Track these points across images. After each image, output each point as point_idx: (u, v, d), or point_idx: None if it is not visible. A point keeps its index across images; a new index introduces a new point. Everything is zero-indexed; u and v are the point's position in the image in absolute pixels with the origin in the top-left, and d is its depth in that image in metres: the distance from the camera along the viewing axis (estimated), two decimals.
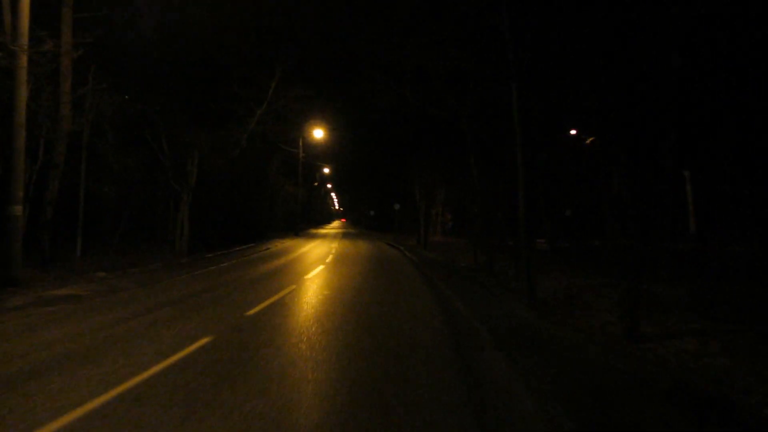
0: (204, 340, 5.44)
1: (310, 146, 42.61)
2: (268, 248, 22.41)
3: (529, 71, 10.59)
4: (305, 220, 68.27)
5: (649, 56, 9.77)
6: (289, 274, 12.54)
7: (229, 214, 23.18)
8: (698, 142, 13.43)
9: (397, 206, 38.38)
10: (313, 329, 6.30)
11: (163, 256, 15.48)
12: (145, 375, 4.17)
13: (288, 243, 27.53)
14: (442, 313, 7.85)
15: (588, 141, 26.67)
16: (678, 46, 9.25)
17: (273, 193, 40.67)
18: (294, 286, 10.39)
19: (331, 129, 37.52)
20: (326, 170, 71.25)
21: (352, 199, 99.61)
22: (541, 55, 11.22)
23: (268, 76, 16.36)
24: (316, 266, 14.41)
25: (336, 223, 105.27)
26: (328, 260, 16.59)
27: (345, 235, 40.64)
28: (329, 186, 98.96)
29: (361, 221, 74.51)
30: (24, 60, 9.31)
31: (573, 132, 25.48)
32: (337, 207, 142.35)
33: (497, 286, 11.94)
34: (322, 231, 53.76)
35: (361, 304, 8.27)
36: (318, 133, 37.30)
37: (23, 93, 9.50)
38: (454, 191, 37.52)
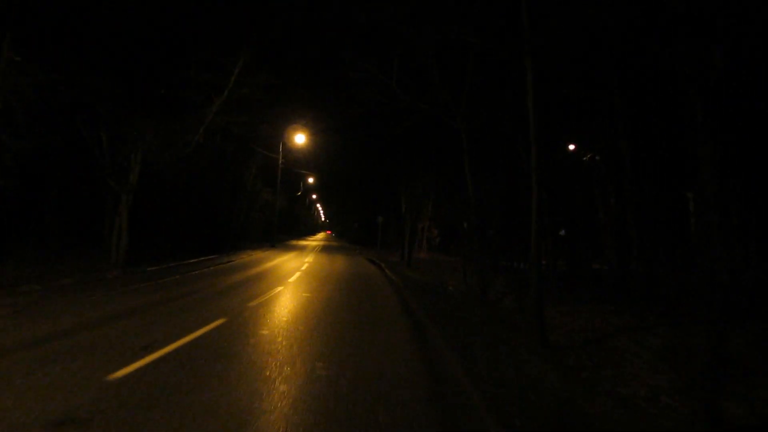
0: None
1: (292, 152, 40.11)
2: (231, 261, 19.70)
3: (545, 48, 8.25)
4: (287, 231, 65.42)
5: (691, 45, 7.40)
6: (232, 299, 9.91)
7: (188, 221, 20.52)
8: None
9: (380, 219, 35.87)
10: None
11: (91, 267, 12.75)
12: None
13: (258, 255, 24.81)
14: (429, 379, 5.29)
15: (587, 157, 24.60)
16: (724, 39, 6.98)
17: (249, 200, 37.95)
18: (224, 320, 7.76)
19: (314, 133, 35.11)
20: (311, 180, 68.76)
21: (338, 211, 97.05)
22: (556, 33, 8.90)
23: (232, 59, 13.83)
24: (274, 288, 11.79)
25: (321, 235, 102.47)
26: (291, 279, 13.96)
27: (324, 249, 37.96)
28: (314, 197, 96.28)
29: (345, 234, 71.81)
30: None
31: (571, 147, 23.46)
32: (323, 218, 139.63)
33: (497, 323, 9.43)
34: (303, 242, 50.99)
35: (301, 363, 5.64)
36: (299, 138, 34.85)
37: None
38: (442, 205, 35.21)
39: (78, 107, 12.30)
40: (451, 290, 15.56)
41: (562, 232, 26.06)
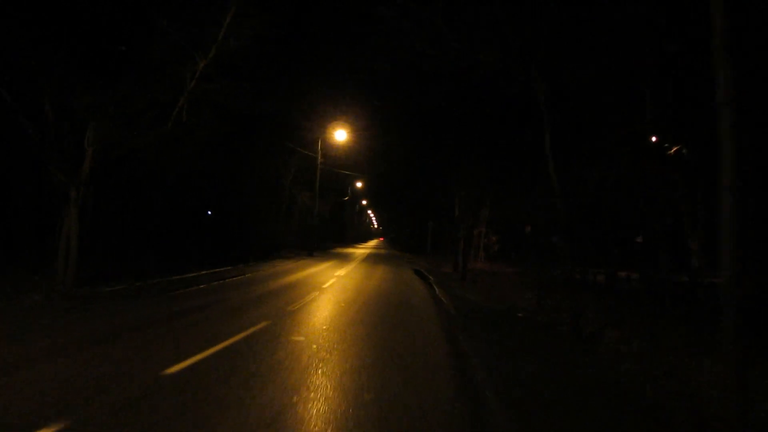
0: None
1: (334, 151, 36.71)
2: (244, 274, 16.17)
3: None
4: (335, 238, 62.31)
5: None
6: (186, 342, 6.13)
7: (188, 226, 17.34)
8: None
9: (430, 224, 31.63)
10: None
11: (15, 289, 9.42)
12: None
13: (287, 266, 21.26)
14: None
15: (672, 150, 19.34)
16: None
17: (288, 204, 34.82)
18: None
19: (355, 130, 31.50)
20: (359, 184, 65.42)
21: (389, 218, 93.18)
22: None
23: (219, 7, 10.23)
24: (256, 324, 7.90)
25: (372, 243, 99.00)
26: (297, 306, 10.08)
27: (369, 257, 34.12)
28: (365, 202, 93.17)
29: (397, 241, 67.61)
30: None
31: (653, 139, 18.46)
32: (375, 225, 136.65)
33: (617, 396, 5.12)
34: (348, 250, 47.45)
35: None
36: (340, 135, 31.27)
37: None
38: (502, 207, 30.51)
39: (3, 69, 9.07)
40: (521, 315, 11.19)
41: (639, 239, 20.76)
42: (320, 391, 4.61)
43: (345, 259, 30.60)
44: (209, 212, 32.94)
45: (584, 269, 18.03)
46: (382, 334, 7.63)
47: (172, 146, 14.38)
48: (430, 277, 20.07)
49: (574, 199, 16.20)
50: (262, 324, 7.64)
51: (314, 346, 6.41)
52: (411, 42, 9.71)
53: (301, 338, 6.90)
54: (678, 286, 14.91)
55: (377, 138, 33.24)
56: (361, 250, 50.87)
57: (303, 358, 5.81)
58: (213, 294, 11.13)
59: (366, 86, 36.23)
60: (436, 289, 15.27)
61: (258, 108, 13.68)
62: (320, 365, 5.56)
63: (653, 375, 6.41)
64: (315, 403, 4.29)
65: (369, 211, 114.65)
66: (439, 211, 35.63)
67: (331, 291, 12.95)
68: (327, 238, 57.36)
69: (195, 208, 25.70)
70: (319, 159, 31.60)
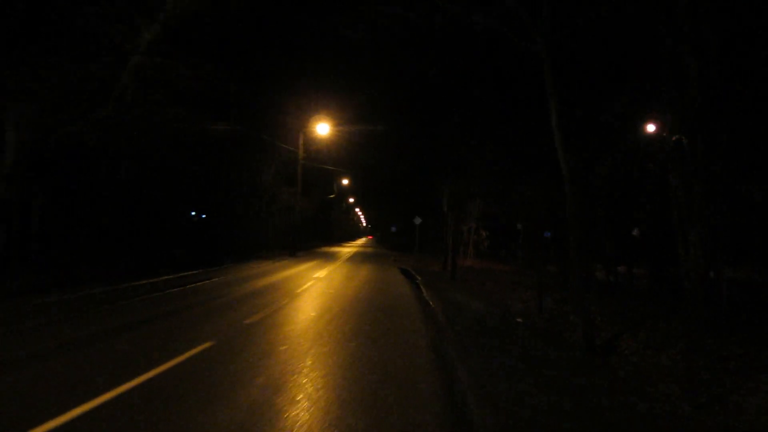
0: None
1: (316, 146, 35.04)
2: (212, 278, 14.55)
3: None
4: (318, 237, 60.62)
5: None
6: (85, 381, 4.58)
7: (139, 227, 15.75)
8: None
9: (417, 220, 30.20)
10: None
11: None
12: None
13: (264, 268, 19.65)
14: None
15: (674, 138, 18.05)
16: None
17: (269, 202, 33.11)
18: None
19: (339, 124, 29.84)
20: (345, 181, 63.74)
21: (376, 215, 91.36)
22: None
23: None
24: (199, 345, 6.37)
25: (361, 241, 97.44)
26: (258, 317, 8.54)
27: (355, 257, 32.58)
28: (351, 200, 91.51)
29: (386, 239, 65.77)
30: None
31: (652, 128, 17.23)
32: (364, 224, 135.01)
33: None
34: (334, 249, 45.83)
35: None
36: (322, 129, 29.56)
37: None
38: (492, 203, 29.15)
39: None
40: (522, 325, 9.75)
41: (635, 232, 19.45)
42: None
43: (329, 259, 29.02)
44: (193, 213, 31.17)
45: (587, 265, 16.76)
46: (355, 354, 6.11)
47: (134, 138, 12.69)
48: (418, 277, 18.60)
49: (584, 184, 14.74)
50: (203, 346, 6.07)
51: (259, 380, 4.86)
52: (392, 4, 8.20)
53: (243, 366, 5.35)
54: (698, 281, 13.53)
55: (362, 133, 31.63)
56: (348, 249, 49.27)
57: (240, 398, 4.27)
58: (162, 305, 9.52)
59: (349, 68, 34.60)
60: (424, 291, 13.80)
61: (226, 93, 12.03)
62: (261, 410, 4.03)
63: (698, 402, 4.99)
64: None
65: (357, 210, 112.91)
66: (426, 207, 34.17)
67: (304, 297, 11.40)
68: (313, 238, 55.65)
69: (169, 208, 23.95)
70: (301, 154, 29.93)
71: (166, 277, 14.09)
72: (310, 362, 5.61)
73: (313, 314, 8.95)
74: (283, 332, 7.29)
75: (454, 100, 15.66)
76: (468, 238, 27.66)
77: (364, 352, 6.24)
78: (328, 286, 13.94)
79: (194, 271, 16.05)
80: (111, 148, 11.55)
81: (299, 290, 12.50)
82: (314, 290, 12.73)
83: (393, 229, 54.08)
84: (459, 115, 16.47)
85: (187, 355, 5.64)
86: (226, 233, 27.78)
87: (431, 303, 11.57)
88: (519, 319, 10.25)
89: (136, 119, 10.33)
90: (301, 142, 29.73)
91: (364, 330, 7.70)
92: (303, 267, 20.88)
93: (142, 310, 8.75)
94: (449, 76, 12.11)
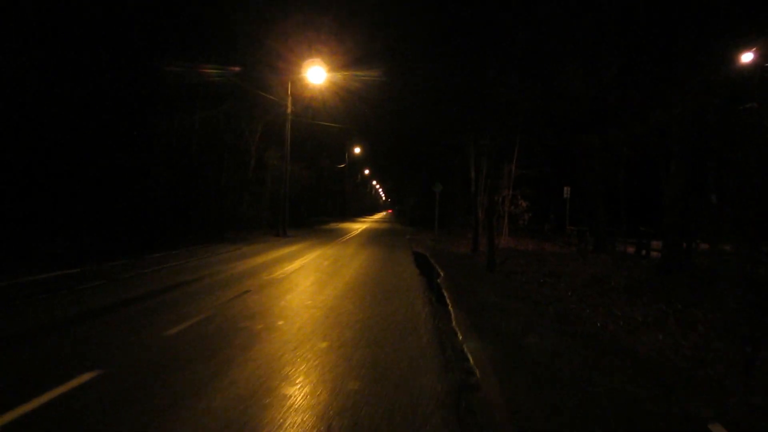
0: None
1: (321, 108, 29.00)
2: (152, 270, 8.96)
3: None
4: (327, 212, 55.00)
5: None
6: None
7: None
8: None
9: (438, 187, 24.14)
10: None
11: None
12: None
13: (240, 251, 14.02)
14: None
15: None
16: None
17: (256, 167, 27.40)
18: None
19: (337, 68, 23.65)
20: (357, 150, 57.63)
21: (393, 187, 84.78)
22: None
23: None
24: None
25: (379, 215, 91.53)
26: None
27: (362, 235, 26.85)
28: (367, 172, 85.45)
29: (404, 213, 59.54)
30: None
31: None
32: (384, 197, 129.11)
33: None
34: (345, 225, 40.15)
35: None
36: (315, 75, 23.29)
37: None
38: (530, 163, 22.82)
39: None
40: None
41: (714, 199, 13.33)
42: None
43: (329, 238, 23.31)
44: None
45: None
46: None
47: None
48: (438, 268, 12.70)
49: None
50: None
51: None
52: None
53: None
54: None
55: (374, 85, 25.38)
56: (360, 225, 43.50)
57: None
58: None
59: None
60: (450, 305, 7.88)
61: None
62: None
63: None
64: None
65: (374, 182, 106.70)
66: (450, 172, 27.97)
67: (249, 312, 5.63)
68: (320, 212, 50.04)
69: (125, 176, 18.55)
70: (289, 108, 23.85)
71: (90, 266, 8.56)
72: None
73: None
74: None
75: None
76: (503, 210, 21.45)
77: None
78: (284, 297, 8.12)
79: (125, 260, 10.43)
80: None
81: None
82: (269, 301, 6.95)
83: (411, 201, 48.08)
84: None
85: None
86: (199, 207, 22.28)
87: (463, 343, 5.67)
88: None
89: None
90: (289, 91, 23.63)
91: None
92: (283, 252, 15.18)
93: None
94: None
